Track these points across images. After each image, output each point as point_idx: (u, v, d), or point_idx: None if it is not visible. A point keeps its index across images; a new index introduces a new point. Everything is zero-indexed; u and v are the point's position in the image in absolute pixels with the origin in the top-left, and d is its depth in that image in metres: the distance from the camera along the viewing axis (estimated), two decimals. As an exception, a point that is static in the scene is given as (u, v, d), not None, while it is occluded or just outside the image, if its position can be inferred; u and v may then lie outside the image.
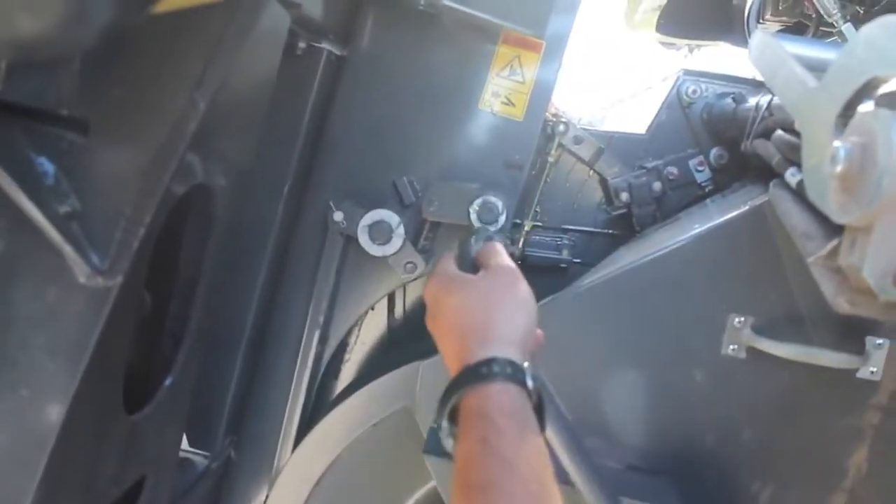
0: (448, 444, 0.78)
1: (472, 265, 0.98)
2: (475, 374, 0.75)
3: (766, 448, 1.15)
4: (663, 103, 1.58)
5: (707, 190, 1.56)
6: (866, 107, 0.67)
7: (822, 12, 1.63)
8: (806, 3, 1.71)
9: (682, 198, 1.57)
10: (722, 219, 1.13)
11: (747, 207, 1.10)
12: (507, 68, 1.29)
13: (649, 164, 1.56)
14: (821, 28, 1.75)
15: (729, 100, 1.47)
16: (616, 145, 1.58)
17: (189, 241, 0.96)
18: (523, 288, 0.89)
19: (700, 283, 1.14)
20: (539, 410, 0.77)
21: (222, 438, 1.37)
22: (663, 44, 2.75)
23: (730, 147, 1.53)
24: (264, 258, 1.33)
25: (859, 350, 1.05)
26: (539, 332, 0.91)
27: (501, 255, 0.95)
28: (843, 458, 1.11)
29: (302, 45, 1.22)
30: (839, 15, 1.61)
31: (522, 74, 1.29)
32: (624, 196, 1.56)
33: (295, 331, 1.39)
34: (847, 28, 1.61)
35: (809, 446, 1.13)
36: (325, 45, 1.27)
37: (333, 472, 1.38)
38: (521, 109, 1.30)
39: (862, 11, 1.65)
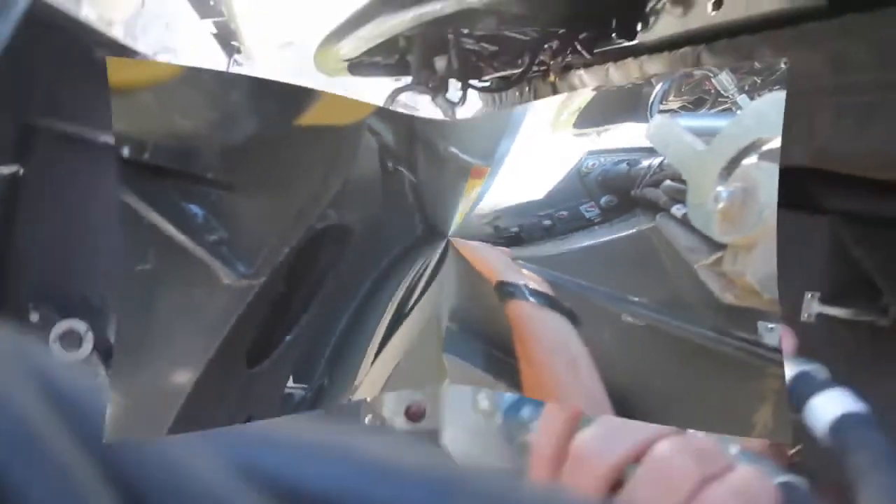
0: None
1: None
2: None
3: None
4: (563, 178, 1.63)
5: (595, 222, 1.61)
6: (749, 160, 0.74)
7: (720, 89, 1.87)
8: (707, 83, 1.98)
9: (570, 228, 1.60)
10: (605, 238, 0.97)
11: (633, 231, 0.97)
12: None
13: (542, 213, 1.63)
14: (718, 99, 1.99)
15: (623, 165, 1.51)
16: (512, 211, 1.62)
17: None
18: None
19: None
20: None
21: (321, 373, 1.25)
22: (576, 135, 2.98)
23: (620, 195, 1.56)
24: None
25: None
26: None
27: None
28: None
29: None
30: (734, 89, 1.87)
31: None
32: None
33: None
34: (742, 99, 1.85)
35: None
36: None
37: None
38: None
39: (760, 81, 1.87)
